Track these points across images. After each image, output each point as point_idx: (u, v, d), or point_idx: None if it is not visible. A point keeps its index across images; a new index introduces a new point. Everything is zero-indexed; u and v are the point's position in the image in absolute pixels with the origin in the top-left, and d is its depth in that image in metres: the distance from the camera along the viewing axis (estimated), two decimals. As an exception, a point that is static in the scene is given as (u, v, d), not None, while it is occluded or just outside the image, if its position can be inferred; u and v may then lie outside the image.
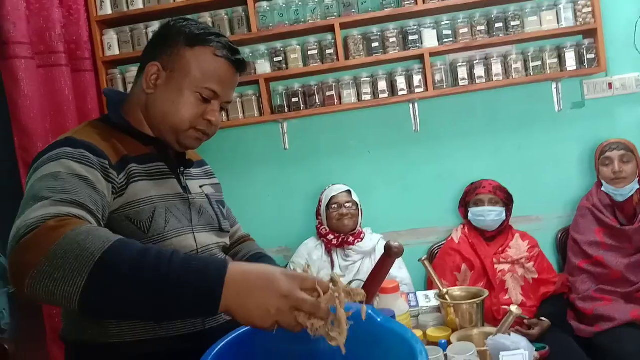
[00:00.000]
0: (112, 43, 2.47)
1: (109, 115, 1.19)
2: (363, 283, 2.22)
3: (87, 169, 0.99)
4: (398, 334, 0.92)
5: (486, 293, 1.43)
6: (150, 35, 2.38)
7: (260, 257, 1.36)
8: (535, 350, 1.98)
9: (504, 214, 2.33)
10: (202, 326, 1.14)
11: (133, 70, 2.45)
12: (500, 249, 2.33)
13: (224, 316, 1.18)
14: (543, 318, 2.14)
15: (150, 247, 0.79)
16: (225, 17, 2.46)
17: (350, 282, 2.26)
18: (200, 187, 1.29)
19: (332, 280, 0.85)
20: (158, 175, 1.16)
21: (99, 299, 0.76)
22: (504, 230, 2.38)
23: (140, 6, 2.46)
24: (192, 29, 1.15)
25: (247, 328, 0.91)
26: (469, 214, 2.38)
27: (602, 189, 2.31)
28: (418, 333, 1.39)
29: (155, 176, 1.15)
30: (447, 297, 1.48)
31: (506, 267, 2.29)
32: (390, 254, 1.26)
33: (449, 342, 1.30)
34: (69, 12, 2.36)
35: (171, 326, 1.10)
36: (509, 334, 1.21)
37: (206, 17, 2.46)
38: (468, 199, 2.41)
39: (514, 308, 1.22)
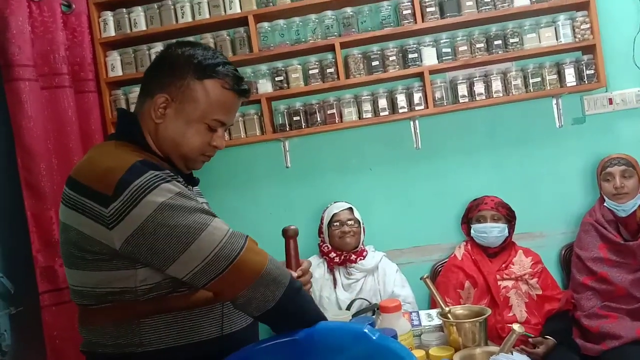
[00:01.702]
0: (115, 64, 2.50)
1: (131, 134, 1.20)
2: (367, 302, 2.22)
3: (184, 186, 1.12)
4: (394, 352, 0.93)
5: (488, 311, 1.42)
6: (153, 56, 2.41)
7: None
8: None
9: (507, 230, 2.32)
10: (220, 332, 1.17)
11: (136, 91, 2.47)
12: (503, 266, 2.32)
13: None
14: (548, 336, 2.12)
15: (304, 294, 1.15)
16: (227, 37, 2.49)
17: (352, 301, 2.25)
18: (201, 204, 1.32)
19: None
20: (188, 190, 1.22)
21: (289, 306, 1.11)
22: (507, 246, 2.37)
23: (143, 27, 2.49)
24: (200, 60, 1.17)
25: (256, 346, 1.04)
26: (472, 231, 2.37)
27: (605, 204, 2.30)
28: (420, 353, 1.38)
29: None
30: (449, 315, 1.47)
31: (510, 283, 2.27)
32: (286, 236, 1.36)
33: (451, 362, 1.28)
34: (73, 34, 2.40)
35: (193, 332, 1.14)
36: (512, 353, 1.20)
37: (208, 38, 2.49)
38: (470, 215, 2.40)
39: (516, 327, 1.21)
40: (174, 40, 1.26)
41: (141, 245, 1.04)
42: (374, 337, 0.97)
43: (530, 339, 2.08)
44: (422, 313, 1.64)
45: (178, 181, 1.12)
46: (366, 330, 0.99)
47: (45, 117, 2.18)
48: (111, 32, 2.50)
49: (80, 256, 1.11)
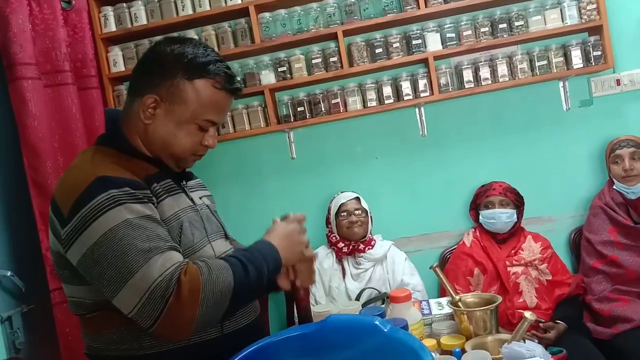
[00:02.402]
0: (117, 60, 2.49)
1: (113, 138, 1.19)
2: (376, 291, 2.22)
3: (145, 206, 1.06)
4: (405, 344, 0.93)
5: (499, 299, 1.41)
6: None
7: None
8: (553, 354, 1.97)
9: (515, 216, 2.31)
10: (221, 331, 1.17)
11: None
12: (512, 252, 2.30)
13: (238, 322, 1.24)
14: (559, 321, 2.11)
15: (246, 263, 1.08)
16: (229, 29, 2.47)
17: (362, 291, 2.25)
18: (200, 198, 1.33)
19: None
20: (172, 191, 1.20)
21: (239, 308, 1.16)
22: (516, 232, 2.35)
23: (144, 22, 2.47)
24: (190, 58, 1.15)
25: (263, 342, 1.01)
26: (480, 217, 2.36)
27: (614, 187, 2.28)
28: (431, 342, 1.37)
29: (171, 192, 1.19)
30: (459, 304, 1.45)
31: (519, 269, 2.26)
32: None
33: (463, 351, 1.28)
34: (74, 30, 2.38)
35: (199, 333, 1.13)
36: (524, 341, 1.19)
37: (210, 30, 2.47)
38: (478, 201, 2.39)
39: (528, 314, 1.20)
40: (161, 37, 1.23)
41: (88, 273, 1.05)
42: (385, 330, 0.96)
43: (541, 324, 2.08)
44: (432, 302, 1.63)
45: (147, 197, 1.09)
46: (377, 323, 0.98)
47: (49, 115, 2.17)
48: (112, 27, 2.48)
49: (61, 273, 1.13)
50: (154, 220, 1.07)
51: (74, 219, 1.02)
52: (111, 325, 1.10)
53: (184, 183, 1.28)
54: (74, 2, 2.38)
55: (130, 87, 1.21)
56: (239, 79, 2.40)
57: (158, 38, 2.48)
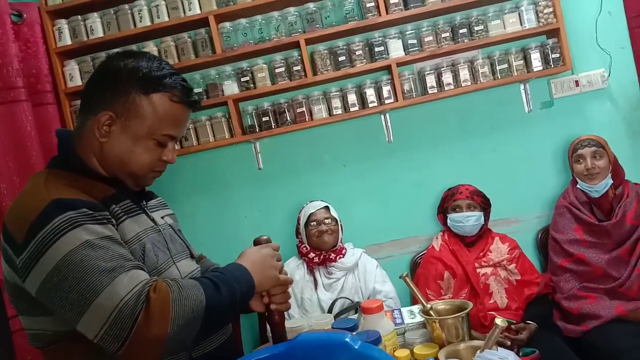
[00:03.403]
0: (73, 74, 2.41)
1: (66, 160, 1.14)
2: (349, 301, 2.20)
3: (104, 227, 1.02)
4: (376, 360, 0.90)
5: (470, 305, 1.41)
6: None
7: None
8: (525, 356, 1.99)
9: (483, 218, 2.33)
10: (189, 356, 1.13)
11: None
12: (481, 254, 2.32)
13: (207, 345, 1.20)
14: (529, 321, 2.13)
15: (218, 283, 1.05)
16: (189, 39, 2.42)
17: (334, 302, 2.22)
18: (162, 217, 1.29)
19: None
20: (132, 212, 1.16)
21: (211, 330, 1.09)
22: (484, 234, 2.37)
23: (100, 34, 2.40)
24: (145, 72, 1.11)
25: None
26: (448, 220, 2.37)
27: (578, 186, 2.32)
28: (405, 352, 1.35)
29: (131, 213, 1.15)
30: (431, 312, 1.45)
31: (488, 270, 2.28)
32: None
33: (436, 360, 1.27)
34: (26, 45, 2.30)
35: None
36: (497, 348, 1.18)
37: (169, 42, 2.41)
38: (446, 205, 2.40)
39: (499, 321, 1.19)
40: (113, 51, 1.19)
41: (50, 300, 0.99)
42: (356, 347, 0.94)
43: (512, 326, 2.09)
44: (404, 310, 1.62)
45: (107, 219, 1.04)
46: (347, 340, 0.96)
47: (2, 134, 2.08)
48: (67, 40, 2.40)
49: (17, 304, 1.08)
50: (115, 241, 1.02)
51: (30, 246, 0.97)
52: (74, 356, 1.05)
53: (144, 203, 1.24)
54: (25, 15, 2.30)
55: (83, 104, 1.16)
56: (197, 91, 2.39)
57: (116, 51, 2.43)
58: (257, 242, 1.23)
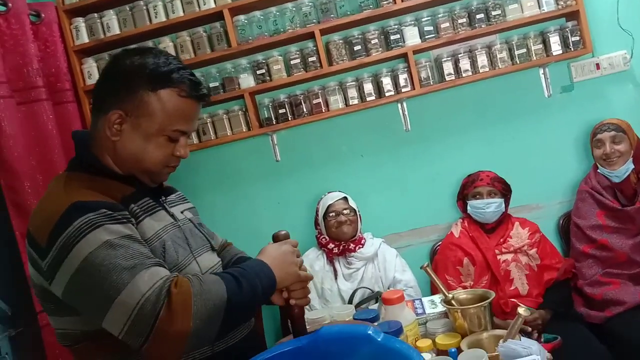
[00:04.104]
0: (92, 71, 2.43)
1: (83, 161, 1.16)
2: (369, 291, 2.21)
3: (124, 226, 1.03)
4: (399, 352, 0.91)
5: (492, 295, 1.40)
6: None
7: (242, 260, 1.40)
8: (547, 342, 1.97)
9: (503, 205, 2.31)
10: (212, 350, 1.15)
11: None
12: (501, 240, 2.30)
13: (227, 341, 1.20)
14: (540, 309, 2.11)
15: (239, 277, 1.05)
16: (204, 34, 2.43)
17: (354, 291, 2.23)
18: (182, 212, 1.30)
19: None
20: (151, 209, 1.17)
21: (233, 324, 1.10)
22: (504, 220, 2.35)
23: (117, 31, 2.42)
24: (151, 69, 1.11)
25: (257, 358, 0.98)
26: (468, 207, 2.35)
27: (599, 171, 2.29)
28: (427, 342, 1.36)
29: (150, 211, 1.16)
30: (453, 302, 1.44)
31: (509, 256, 2.26)
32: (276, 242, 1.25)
33: (459, 350, 1.26)
34: (45, 44, 2.33)
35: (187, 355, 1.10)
36: (520, 338, 1.18)
37: (184, 37, 2.43)
38: (466, 192, 2.38)
39: (521, 310, 1.19)
40: (120, 50, 1.19)
41: (75, 301, 1.02)
42: (379, 339, 0.95)
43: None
44: (425, 300, 1.61)
45: (126, 218, 1.06)
46: (370, 332, 0.96)
47: (24, 133, 2.11)
48: (84, 38, 2.43)
49: (46, 306, 1.11)
50: (135, 239, 1.04)
51: (53, 249, 0.99)
52: (101, 354, 1.07)
53: (163, 199, 1.25)
54: (43, 15, 2.32)
55: (94, 104, 1.17)
56: (213, 85, 2.40)
57: (132, 46, 2.45)
58: (276, 237, 1.23)
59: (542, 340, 1.99)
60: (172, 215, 1.23)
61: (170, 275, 1.01)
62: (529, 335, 1.97)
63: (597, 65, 2.47)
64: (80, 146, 1.18)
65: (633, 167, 2.19)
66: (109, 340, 0.99)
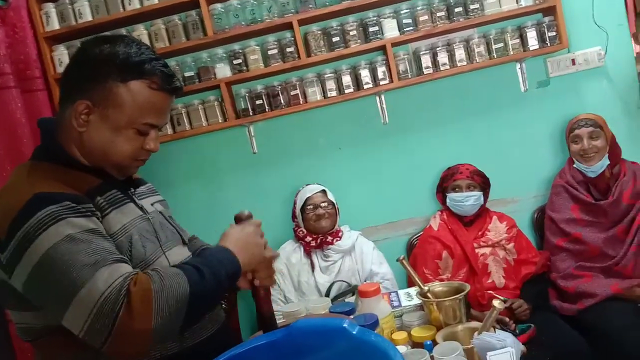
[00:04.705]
0: (63, 59, 2.36)
1: (49, 151, 1.11)
2: (346, 284, 2.20)
3: (88, 220, 0.99)
4: (375, 345, 0.90)
5: (468, 287, 1.41)
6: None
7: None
8: (522, 332, 2.00)
9: (482, 198, 2.32)
10: (181, 345, 1.12)
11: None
12: (479, 233, 2.32)
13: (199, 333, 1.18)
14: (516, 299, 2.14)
15: (200, 267, 1.02)
16: (179, 22, 2.38)
17: (331, 285, 2.22)
18: (152, 204, 1.26)
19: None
20: (118, 202, 1.13)
21: (199, 316, 1.09)
22: (482, 213, 2.37)
23: (89, 18, 2.35)
24: (122, 59, 1.06)
25: (230, 353, 0.95)
26: (447, 200, 2.37)
27: (574, 166, 2.31)
28: (402, 335, 1.36)
29: (117, 204, 1.12)
30: (428, 294, 1.44)
31: (487, 250, 2.28)
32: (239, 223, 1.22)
33: (434, 342, 1.27)
34: (14, 30, 2.25)
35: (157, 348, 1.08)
36: (495, 331, 1.18)
37: (159, 25, 2.37)
38: (445, 184, 2.39)
39: (496, 303, 1.19)
40: (90, 37, 1.14)
41: (35, 295, 0.99)
42: (354, 332, 0.94)
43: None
44: (401, 293, 1.62)
45: (91, 211, 1.02)
46: (345, 325, 0.95)
47: (-9, 121, 2.05)
48: (55, 25, 2.35)
49: (5, 300, 1.07)
50: (99, 233, 1.00)
51: (13, 241, 0.95)
52: (65, 348, 1.03)
53: (132, 191, 1.21)
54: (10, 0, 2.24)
55: (61, 92, 1.13)
56: (188, 74, 2.35)
57: (105, 34, 2.38)
58: (238, 218, 1.21)
59: (517, 331, 2.02)
60: (141, 208, 1.19)
61: (130, 272, 0.97)
62: (506, 326, 2.00)
63: (573, 61, 2.49)
64: (46, 135, 1.13)
65: (609, 162, 2.22)
66: (71, 335, 0.96)
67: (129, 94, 1.06)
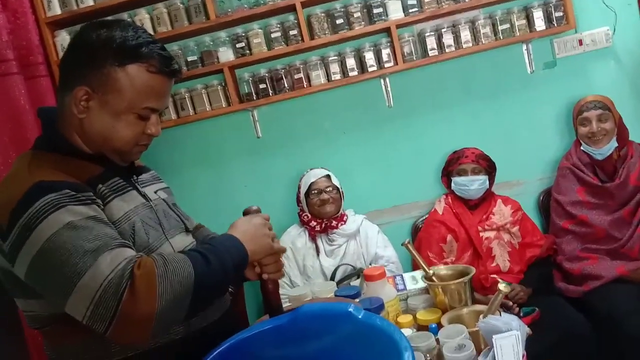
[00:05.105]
0: (65, 44, 2.34)
1: (50, 140, 1.11)
2: (351, 267, 2.21)
3: (88, 207, 0.99)
4: (380, 329, 0.90)
5: (473, 270, 1.41)
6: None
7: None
8: (526, 314, 2.00)
9: (487, 182, 2.31)
10: (188, 330, 1.13)
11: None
12: (484, 217, 2.32)
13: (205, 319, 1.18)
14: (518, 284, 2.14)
15: (206, 254, 1.02)
16: (181, 6, 2.35)
17: (337, 268, 2.23)
18: (155, 192, 1.26)
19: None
20: (121, 190, 1.13)
21: (204, 303, 1.07)
22: (487, 197, 2.36)
23: (91, 3, 2.33)
24: (119, 43, 1.05)
25: (237, 338, 0.97)
26: (452, 184, 2.36)
27: (581, 148, 2.29)
28: (408, 318, 1.36)
29: (119, 192, 1.12)
30: (433, 278, 1.44)
31: (492, 234, 2.28)
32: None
33: (439, 325, 1.27)
34: (15, 16, 2.23)
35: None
36: (500, 313, 1.18)
37: (161, 9, 2.35)
38: (451, 168, 2.38)
39: (502, 286, 1.19)
40: (86, 23, 1.13)
41: (38, 283, 0.98)
42: (360, 316, 0.94)
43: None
44: (407, 276, 1.62)
45: (91, 199, 1.02)
46: (351, 310, 0.95)
47: (-5, 108, 2.05)
48: (57, 10, 2.33)
49: (11, 289, 1.07)
50: (100, 220, 0.99)
51: (14, 230, 0.95)
52: (72, 335, 1.04)
53: (135, 178, 1.20)
54: (11, -16, 2.23)
55: (60, 80, 1.12)
56: (191, 59, 2.33)
57: (108, 19, 2.37)
58: (246, 213, 1.20)
59: (522, 314, 2.02)
60: (144, 196, 1.19)
61: (134, 255, 0.97)
62: (510, 309, 2.00)
63: (580, 42, 2.46)
64: (47, 124, 1.13)
65: (617, 144, 2.20)
66: (78, 322, 0.96)
67: (127, 78, 1.05)
